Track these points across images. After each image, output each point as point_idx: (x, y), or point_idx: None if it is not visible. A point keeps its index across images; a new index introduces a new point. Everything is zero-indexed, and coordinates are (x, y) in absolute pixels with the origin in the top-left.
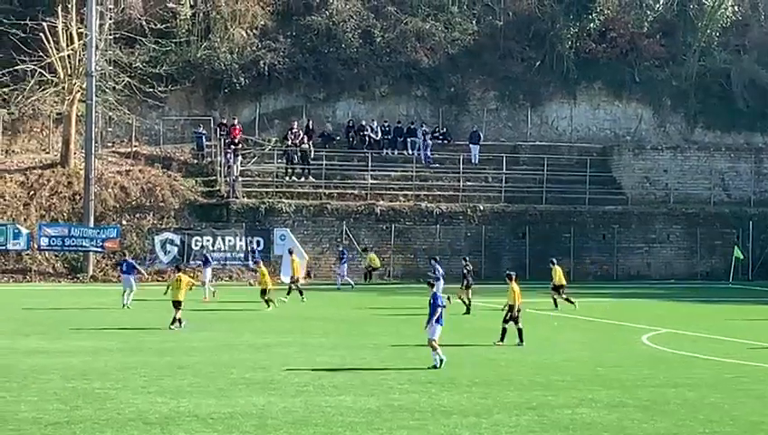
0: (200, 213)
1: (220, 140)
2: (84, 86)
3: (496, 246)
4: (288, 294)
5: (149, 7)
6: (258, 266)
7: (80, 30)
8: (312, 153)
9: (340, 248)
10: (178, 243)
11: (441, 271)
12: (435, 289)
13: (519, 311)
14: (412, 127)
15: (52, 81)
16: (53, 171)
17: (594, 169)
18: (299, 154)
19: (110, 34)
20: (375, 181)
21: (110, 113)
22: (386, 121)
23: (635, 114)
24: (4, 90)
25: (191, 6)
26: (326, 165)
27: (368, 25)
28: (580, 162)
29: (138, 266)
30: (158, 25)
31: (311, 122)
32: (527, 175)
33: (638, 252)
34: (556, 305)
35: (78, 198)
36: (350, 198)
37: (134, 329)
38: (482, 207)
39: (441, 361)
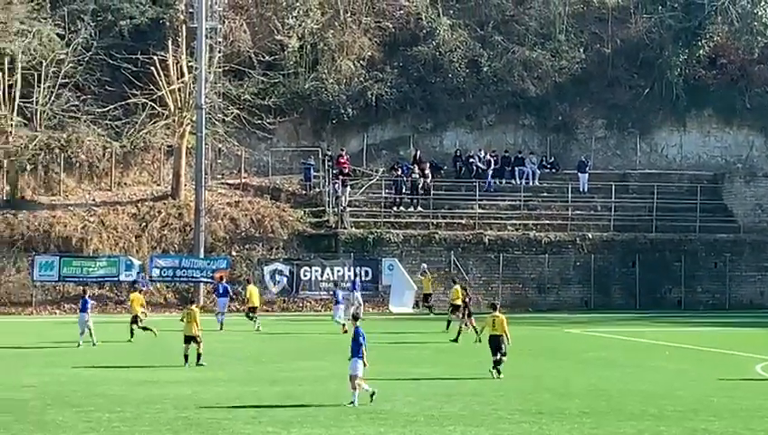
0: (309, 243)
1: (328, 170)
2: (194, 119)
3: (606, 275)
4: (251, 321)
5: (258, 40)
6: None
7: (189, 63)
8: (429, 181)
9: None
10: (287, 273)
11: (341, 295)
12: (358, 323)
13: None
14: (520, 156)
15: (163, 114)
16: (164, 203)
17: (705, 197)
18: (419, 184)
19: (220, 67)
20: (483, 211)
21: (220, 145)
22: (493, 151)
23: (746, 141)
24: (117, 123)
25: (299, 38)
26: (434, 195)
27: (475, 55)
28: (690, 190)
29: (89, 303)
30: (267, 57)
31: (418, 152)
32: (637, 203)
33: (750, 280)
34: (448, 326)
35: (188, 229)
36: (457, 228)
37: (242, 359)
38: (591, 236)
39: (364, 394)
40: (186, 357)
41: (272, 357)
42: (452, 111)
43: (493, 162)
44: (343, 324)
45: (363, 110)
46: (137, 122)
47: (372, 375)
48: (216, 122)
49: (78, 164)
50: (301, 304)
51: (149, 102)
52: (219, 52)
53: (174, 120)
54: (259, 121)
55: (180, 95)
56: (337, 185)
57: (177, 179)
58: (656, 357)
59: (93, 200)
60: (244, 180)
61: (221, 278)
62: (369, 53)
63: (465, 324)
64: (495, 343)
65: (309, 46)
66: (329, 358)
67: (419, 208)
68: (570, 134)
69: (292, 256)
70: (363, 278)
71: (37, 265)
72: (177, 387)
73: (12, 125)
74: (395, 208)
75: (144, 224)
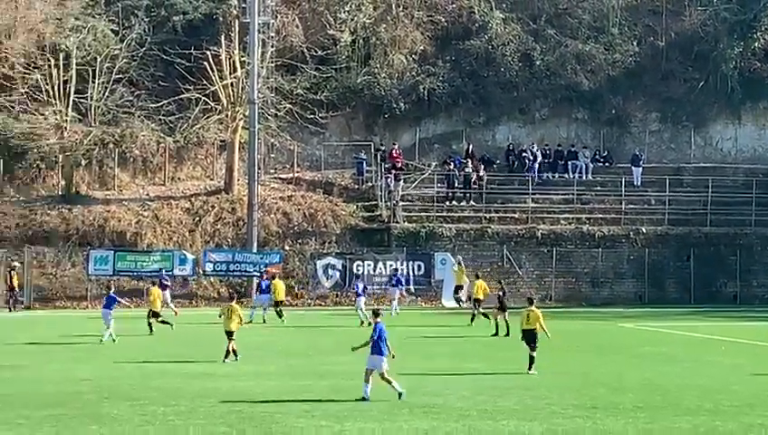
0: (361, 238)
1: (380, 164)
2: (247, 113)
3: (660, 269)
4: (280, 317)
5: (310, 35)
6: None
7: (242, 58)
8: (482, 176)
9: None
10: (340, 268)
11: (360, 287)
12: (378, 319)
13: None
14: (573, 150)
15: (216, 108)
16: (218, 198)
17: (760, 191)
18: (472, 178)
19: (272, 62)
20: (536, 205)
21: (272, 140)
22: (546, 145)
23: None
24: (170, 118)
25: (351, 33)
26: (486, 189)
27: (527, 48)
28: (745, 183)
29: (120, 300)
30: (319, 52)
31: (471, 146)
32: (691, 197)
33: None
34: (486, 317)
35: (241, 223)
36: (510, 222)
37: (293, 353)
38: (645, 230)
39: (400, 394)
40: (234, 352)
41: (320, 350)
42: (504, 105)
43: (542, 156)
44: (362, 322)
45: (415, 104)
46: (190, 117)
47: (426, 370)
48: (269, 117)
49: (132, 159)
50: (353, 299)
51: (202, 97)
52: (272, 46)
53: (227, 115)
54: (311, 116)
55: (233, 90)
56: (389, 179)
57: (230, 174)
58: (711, 352)
59: (147, 195)
60: (296, 175)
61: (262, 276)
62: (422, 47)
63: (485, 315)
64: (528, 338)
65: (361, 41)
66: None
67: (472, 202)
68: (623, 128)
69: (345, 251)
70: (416, 273)
71: (92, 260)
72: (230, 381)
73: (67, 120)
74: (447, 203)
75: (197, 218)
